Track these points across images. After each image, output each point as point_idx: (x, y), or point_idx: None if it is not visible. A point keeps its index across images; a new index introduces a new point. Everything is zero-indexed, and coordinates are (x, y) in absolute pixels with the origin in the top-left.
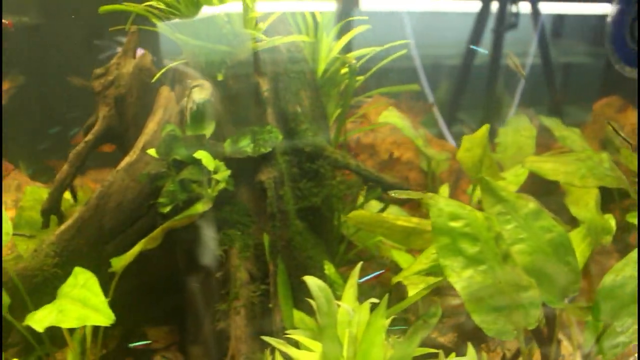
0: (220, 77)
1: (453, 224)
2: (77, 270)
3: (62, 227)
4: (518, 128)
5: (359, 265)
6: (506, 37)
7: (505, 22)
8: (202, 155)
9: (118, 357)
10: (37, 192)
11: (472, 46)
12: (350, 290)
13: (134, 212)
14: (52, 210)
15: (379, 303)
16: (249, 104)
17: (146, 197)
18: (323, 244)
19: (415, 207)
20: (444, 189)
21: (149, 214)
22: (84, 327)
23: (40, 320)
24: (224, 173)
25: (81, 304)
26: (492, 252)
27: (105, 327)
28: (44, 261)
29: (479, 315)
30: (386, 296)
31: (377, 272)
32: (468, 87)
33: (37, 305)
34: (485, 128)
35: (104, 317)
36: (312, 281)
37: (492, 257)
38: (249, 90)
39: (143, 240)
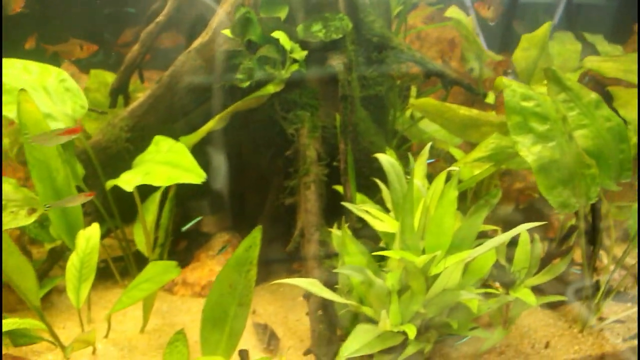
0: None
1: (525, 103)
2: (158, 138)
3: (135, 103)
4: (564, 42)
5: (429, 145)
6: None
7: None
8: (279, 35)
9: (174, 241)
10: (102, 75)
11: None
12: (419, 167)
13: (204, 92)
14: (121, 89)
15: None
16: None
17: (217, 77)
18: (382, 134)
19: None
20: (491, 96)
21: (218, 92)
22: (153, 203)
23: (128, 181)
24: (301, 53)
25: (169, 165)
26: (560, 131)
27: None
28: (119, 135)
29: (546, 187)
30: (458, 169)
31: (432, 160)
32: None
33: (110, 176)
34: (547, 25)
35: (196, 175)
36: (383, 158)
37: (560, 135)
38: None
39: (212, 120)
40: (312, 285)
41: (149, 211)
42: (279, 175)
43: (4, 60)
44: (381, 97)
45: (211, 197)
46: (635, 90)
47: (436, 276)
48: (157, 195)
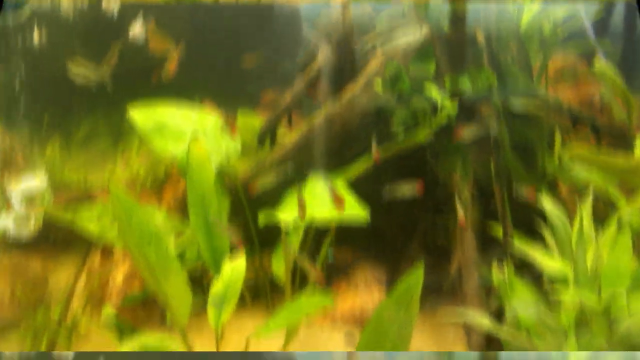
0: (446, 29)
1: None
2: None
3: (287, 145)
4: None
5: (591, 188)
6: None
7: None
8: (432, 89)
9: None
10: (249, 120)
11: None
12: (586, 211)
13: (353, 137)
14: (270, 131)
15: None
16: (464, 49)
17: (368, 124)
18: (534, 178)
19: None
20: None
21: (366, 137)
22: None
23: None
24: (452, 103)
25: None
26: None
27: None
28: (268, 173)
29: None
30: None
31: None
32: None
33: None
34: None
35: (359, 215)
36: (547, 202)
37: None
38: (465, 38)
39: (361, 162)
40: (482, 319)
41: (293, 243)
42: (426, 213)
43: (170, 109)
44: (531, 144)
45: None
46: None
47: (618, 318)
48: (300, 230)
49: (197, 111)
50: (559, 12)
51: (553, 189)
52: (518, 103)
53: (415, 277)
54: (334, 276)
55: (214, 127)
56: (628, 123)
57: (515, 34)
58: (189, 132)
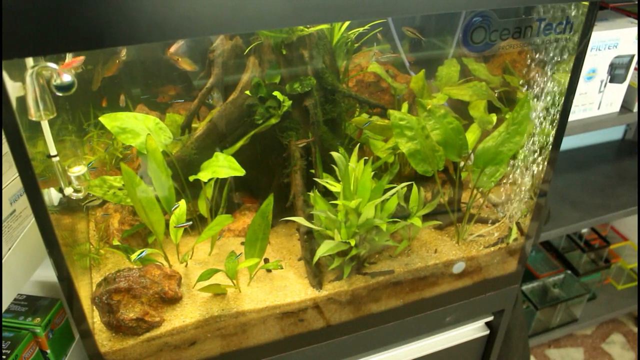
0: (284, 52)
1: (401, 122)
2: (217, 153)
3: (199, 133)
4: (450, 65)
5: (357, 145)
6: None
7: None
8: (277, 93)
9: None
10: (173, 117)
11: None
12: (354, 156)
13: (236, 125)
14: (188, 125)
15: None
16: (297, 65)
17: (243, 116)
18: (337, 139)
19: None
20: (405, 106)
21: (243, 125)
22: (210, 187)
23: (204, 176)
24: (288, 102)
25: (224, 167)
26: (421, 135)
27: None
28: (190, 152)
29: (415, 164)
30: (362, 156)
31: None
32: None
33: (185, 174)
34: (422, 72)
35: (239, 171)
36: (335, 154)
37: (421, 137)
38: (296, 58)
39: (240, 141)
40: (302, 220)
41: (208, 191)
42: (279, 167)
43: (124, 113)
44: (335, 119)
45: (242, 181)
46: (481, 101)
47: (361, 212)
48: (212, 182)
49: (142, 115)
50: (356, 29)
51: (350, 146)
52: (328, 94)
53: (269, 201)
54: (232, 209)
55: (154, 123)
56: (395, 99)
57: (328, 49)
58: (140, 130)
